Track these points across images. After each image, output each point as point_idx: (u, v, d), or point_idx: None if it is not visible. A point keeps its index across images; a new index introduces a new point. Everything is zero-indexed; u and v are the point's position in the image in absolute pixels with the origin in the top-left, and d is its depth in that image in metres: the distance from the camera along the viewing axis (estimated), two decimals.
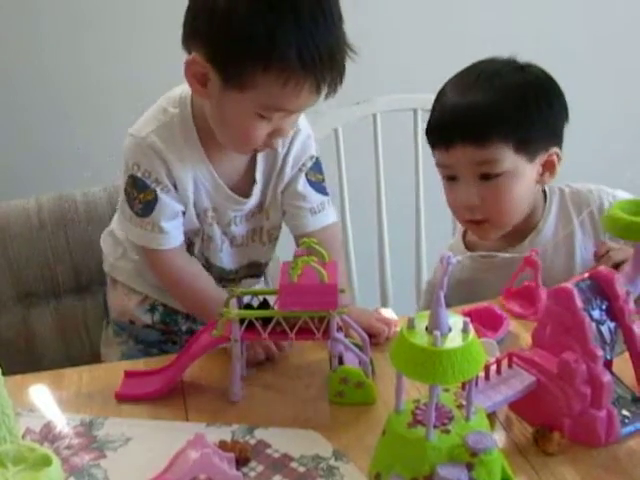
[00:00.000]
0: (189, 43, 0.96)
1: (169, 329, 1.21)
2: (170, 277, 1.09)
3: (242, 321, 0.90)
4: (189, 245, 1.11)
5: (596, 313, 0.83)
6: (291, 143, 1.10)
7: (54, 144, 1.83)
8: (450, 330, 0.70)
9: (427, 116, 1.49)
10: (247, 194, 1.09)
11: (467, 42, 1.84)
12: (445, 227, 1.37)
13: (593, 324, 0.82)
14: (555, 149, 1.13)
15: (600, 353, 0.81)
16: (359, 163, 1.52)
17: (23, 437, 0.85)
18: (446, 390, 0.77)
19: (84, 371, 1.01)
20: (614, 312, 0.85)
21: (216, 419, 0.88)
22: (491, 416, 0.82)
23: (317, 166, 1.13)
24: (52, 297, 1.34)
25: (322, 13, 0.91)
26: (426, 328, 0.70)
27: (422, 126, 1.50)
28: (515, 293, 1.10)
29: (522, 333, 1.02)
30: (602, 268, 0.87)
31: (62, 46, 1.77)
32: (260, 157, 1.09)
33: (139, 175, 1.03)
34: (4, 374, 0.77)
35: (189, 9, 0.96)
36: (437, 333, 0.68)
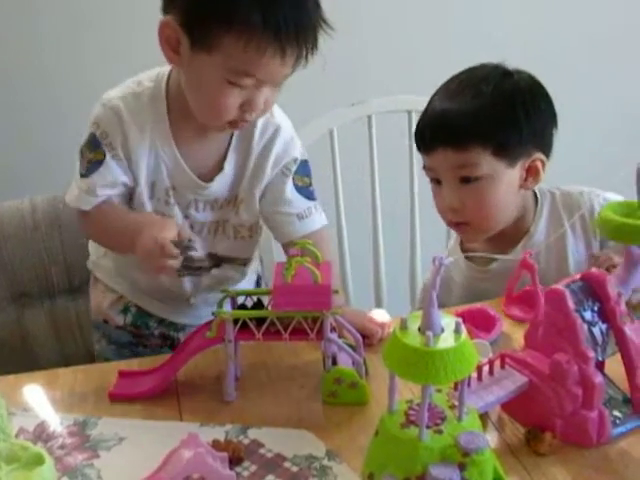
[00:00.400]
0: (166, 9, 0.97)
1: (140, 332, 1.21)
2: (94, 232, 1.13)
3: (236, 321, 0.90)
4: None
5: (588, 314, 0.84)
6: (271, 140, 1.09)
7: (52, 145, 1.83)
8: (443, 331, 0.70)
9: None
10: (210, 180, 1.08)
11: (462, 44, 1.85)
12: (439, 229, 1.38)
13: (585, 325, 0.83)
14: (539, 155, 1.14)
15: (592, 354, 0.82)
16: (354, 164, 1.52)
17: (16, 436, 0.85)
18: (439, 390, 0.77)
19: (78, 371, 1.01)
20: (606, 313, 0.85)
21: (210, 419, 0.89)
22: (483, 416, 0.82)
23: (303, 169, 1.12)
24: (46, 297, 1.35)
25: None
26: (419, 329, 0.70)
27: None
28: (516, 298, 1.10)
29: (515, 334, 1.03)
30: (594, 270, 0.87)
31: (61, 46, 1.77)
32: (232, 148, 1.08)
33: (97, 133, 1.03)
34: None
35: None
36: (429, 333, 0.68)
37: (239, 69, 0.94)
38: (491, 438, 0.83)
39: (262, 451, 0.83)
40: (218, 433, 0.86)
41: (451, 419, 0.74)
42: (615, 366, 0.87)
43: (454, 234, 1.30)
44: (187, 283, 1.15)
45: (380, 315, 1.06)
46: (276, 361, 1.00)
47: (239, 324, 0.91)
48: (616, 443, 0.83)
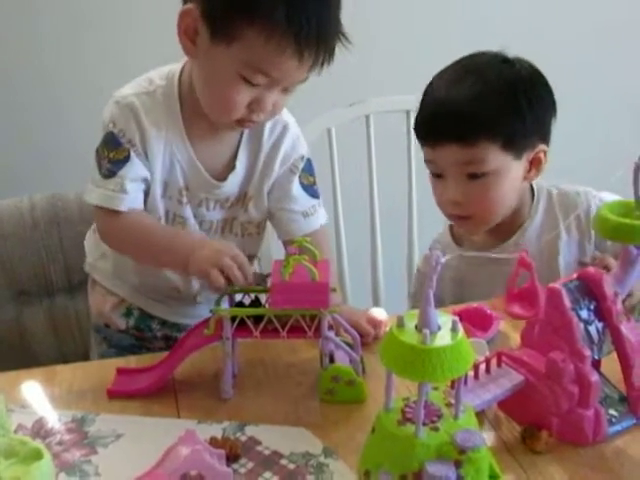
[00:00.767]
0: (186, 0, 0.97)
1: (142, 335, 1.20)
2: (124, 239, 1.06)
3: (234, 319, 0.91)
4: None
5: (584, 313, 0.84)
6: (280, 137, 1.10)
7: (51, 143, 1.84)
8: (439, 329, 0.70)
9: None
10: (223, 179, 1.09)
11: (461, 44, 1.85)
12: (437, 227, 1.38)
13: (581, 324, 0.83)
14: (542, 146, 1.13)
15: (588, 353, 0.82)
16: (352, 163, 1.53)
17: (15, 433, 0.85)
18: (435, 388, 0.77)
19: (76, 368, 1.01)
20: (602, 312, 0.86)
21: (207, 416, 0.89)
22: (480, 415, 0.82)
23: (309, 168, 1.13)
24: (45, 296, 1.35)
25: None
26: (415, 326, 0.71)
27: None
28: (516, 295, 1.10)
29: (512, 333, 1.03)
30: (590, 269, 0.88)
31: (61, 45, 1.78)
32: (243, 145, 1.09)
33: (115, 132, 1.02)
34: None
35: None
36: (426, 331, 0.69)
37: (255, 65, 0.94)
38: (487, 436, 0.83)
39: (259, 448, 0.84)
40: (215, 430, 0.86)
41: (447, 417, 0.74)
42: (611, 365, 0.88)
43: (445, 222, 1.28)
44: (195, 282, 1.16)
45: (378, 313, 1.07)
46: (273, 359, 1.00)
47: (237, 322, 0.91)
48: (612, 441, 0.84)
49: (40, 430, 0.87)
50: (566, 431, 0.83)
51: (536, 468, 0.80)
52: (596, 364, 0.86)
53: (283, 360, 1.00)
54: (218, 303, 0.93)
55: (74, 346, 1.36)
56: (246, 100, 0.97)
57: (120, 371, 0.97)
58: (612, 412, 0.85)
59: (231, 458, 0.81)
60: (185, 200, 1.08)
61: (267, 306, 0.93)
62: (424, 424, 0.72)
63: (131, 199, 1.03)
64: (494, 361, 0.86)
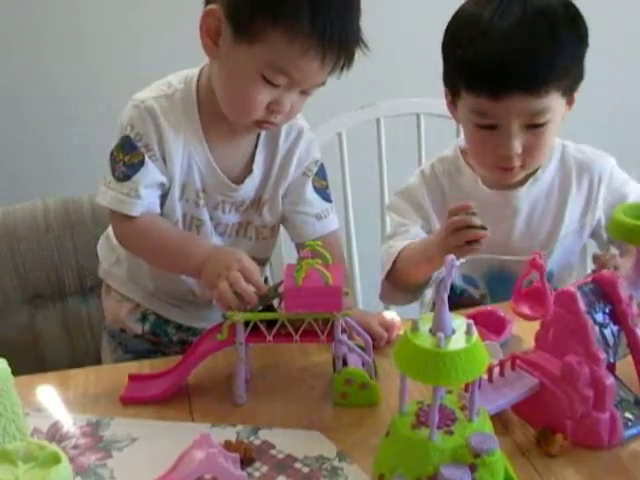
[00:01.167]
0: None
1: (159, 340, 1.20)
2: (138, 242, 1.06)
3: (247, 324, 0.91)
4: None
5: (599, 316, 0.84)
6: (295, 142, 1.11)
7: (63, 148, 1.85)
8: (454, 332, 0.70)
9: (430, 121, 1.51)
10: (240, 182, 1.09)
11: None
12: None
13: (596, 327, 0.83)
14: (579, 83, 1.07)
15: (603, 356, 0.82)
16: (362, 167, 1.53)
17: (31, 436, 0.86)
18: (449, 392, 0.77)
19: (90, 372, 1.02)
20: (617, 315, 0.85)
21: (221, 420, 0.89)
22: (494, 418, 0.82)
23: (322, 172, 1.14)
24: (58, 299, 1.35)
25: None
26: (430, 330, 0.71)
27: (425, 130, 1.52)
28: (524, 295, 1.10)
29: (525, 336, 1.03)
30: (605, 271, 0.87)
31: (70, 49, 1.79)
32: (260, 149, 1.09)
33: (131, 136, 1.02)
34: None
35: None
36: (441, 335, 0.69)
37: (277, 65, 0.95)
38: (502, 440, 0.83)
39: (273, 452, 0.84)
40: (229, 434, 0.86)
41: (462, 420, 0.74)
42: (626, 368, 0.87)
43: (456, 146, 1.20)
44: None
45: (390, 317, 1.06)
46: (286, 362, 1.00)
47: (250, 326, 0.91)
48: (628, 445, 0.83)
49: (55, 434, 0.88)
50: (581, 434, 0.82)
51: (551, 472, 0.80)
52: (611, 367, 0.85)
53: (296, 364, 1.00)
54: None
55: (87, 349, 1.37)
56: (266, 100, 0.98)
57: (132, 377, 0.97)
58: (628, 415, 0.85)
59: (245, 462, 0.81)
60: (202, 202, 1.08)
61: (280, 310, 0.93)
62: (438, 428, 0.72)
63: (145, 204, 1.03)
64: (508, 364, 0.86)
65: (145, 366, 1.02)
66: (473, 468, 0.70)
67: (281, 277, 0.93)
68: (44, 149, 1.85)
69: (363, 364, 0.93)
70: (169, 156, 1.04)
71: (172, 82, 1.06)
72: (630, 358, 0.87)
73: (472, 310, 1.07)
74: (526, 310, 1.07)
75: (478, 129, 1.06)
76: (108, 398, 0.94)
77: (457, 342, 0.69)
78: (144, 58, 1.78)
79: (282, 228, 1.19)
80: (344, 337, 0.91)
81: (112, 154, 1.04)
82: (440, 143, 1.29)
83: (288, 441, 0.85)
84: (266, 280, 1.30)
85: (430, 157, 1.26)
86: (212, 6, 0.97)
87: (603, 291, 0.85)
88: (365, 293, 1.56)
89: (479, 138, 1.08)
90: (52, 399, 0.95)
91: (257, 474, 0.80)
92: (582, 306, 0.82)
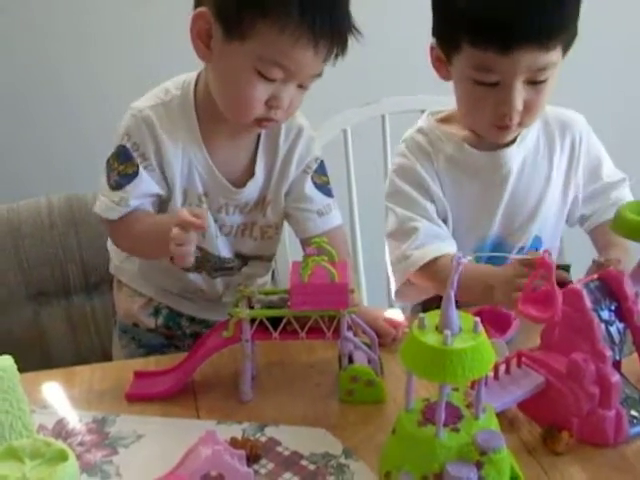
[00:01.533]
0: (199, 2, 0.98)
1: (172, 333, 1.21)
2: (128, 241, 1.07)
3: (253, 321, 0.91)
4: None
5: (605, 314, 0.84)
6: (295, 140, 1.10)
7: (68, 146, 1.85)
8: (460, 330, 0.70)
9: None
10: (242, 185, 1.09)
11: None
12: None
13: (602, 324, 0.83)
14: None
15: (609, 353, 0.82)
16: (367, 164, 1.52)
17: (36, 434, 0.86)
18: (456, 389, 0.77)
19: (96, 369, 1.02)
20: (623, 313, 0.85)
21: (227, 417, 0.89)
22: (500, 415, 0.82)
23: (322, 168, 1.14)
24: (62, 296, 1.36)
25: None
26: (436, 327, 0.71)
27: None
28: (532, 297, 1.09)
29: (531, 334, 1.02)
30: (611, 269, 0.87)
31: (74, 50, 1.79)
32: (260, 151, 1.09)
33: (128, 145, 1.02)
34: None
35: None
36: (447, 332, 0.69)
37: (270, 57, 0.94)
38: (508, 437, 0.83)
39: (279, 449, 0.84)
40: (235, 431, 0.86)
41: (468, 418, 0.74)
42: (632, 366, 0.87)
43: (426, 116, 1.20)
44: (219, 283, 1.16)
45: (394, 315, 1.06)
46: (292, 359, 1.00)
47: (256, 324, 0.91)
48: (633, 442, 0.83)
49: (61, 431, 0.88)
50: (587, 432, 0.82)
51: (557, 469, 0.80)
52: (617, 365, 0.85)
53: (302, 361, 1.00)
54: (236, 305, 0.93)
55: (92, 346, 1.37)
56: (263, 96, 0.97)
57: (137, 375, 0.97)
58: (633, 413, 0.85)
59: (251, 459, 0.81)
60: (205, 206, 1.08)
61: (286, 307, 0.93)
62: (445, 425, 0.72)
63: (126, 212, 1.03)
64: (514, 362, 0.86)
65: (150, 363, 1.02)
66: (479, 465, 0.71)
67: (286, 272, 0.93)
68: (49, 148, 1.85)
69: (369, 361, 0.93)
70: (167, 164, 1.04)
71: (169, 89, 1.06)
72: (636, 356, 0.87)
73: (477, 307, 1.06)
74: (532, 311, 1.07)
75: (476, 86, 1.03)
76: (114, 395, 0.94)
77: (463, 340, 0.70)
78: (148, 58, 1.78)
79: (285, 224, 1.19)
80: (350, 334, 0.91)
81: (108, 162, 1.05)
82: None
83: (294, 438, 0.85)
84: (273, 274, 1.31)
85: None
86: (200, 9, 0.96)
87: (609, 288, 0.85)
88: (370, 289, 1.56)
89: (477, 95, 1.04)
90: (58, 396, 0.95)
91: (263, 471, 0.81)
92: (588, 303, 0.82)
